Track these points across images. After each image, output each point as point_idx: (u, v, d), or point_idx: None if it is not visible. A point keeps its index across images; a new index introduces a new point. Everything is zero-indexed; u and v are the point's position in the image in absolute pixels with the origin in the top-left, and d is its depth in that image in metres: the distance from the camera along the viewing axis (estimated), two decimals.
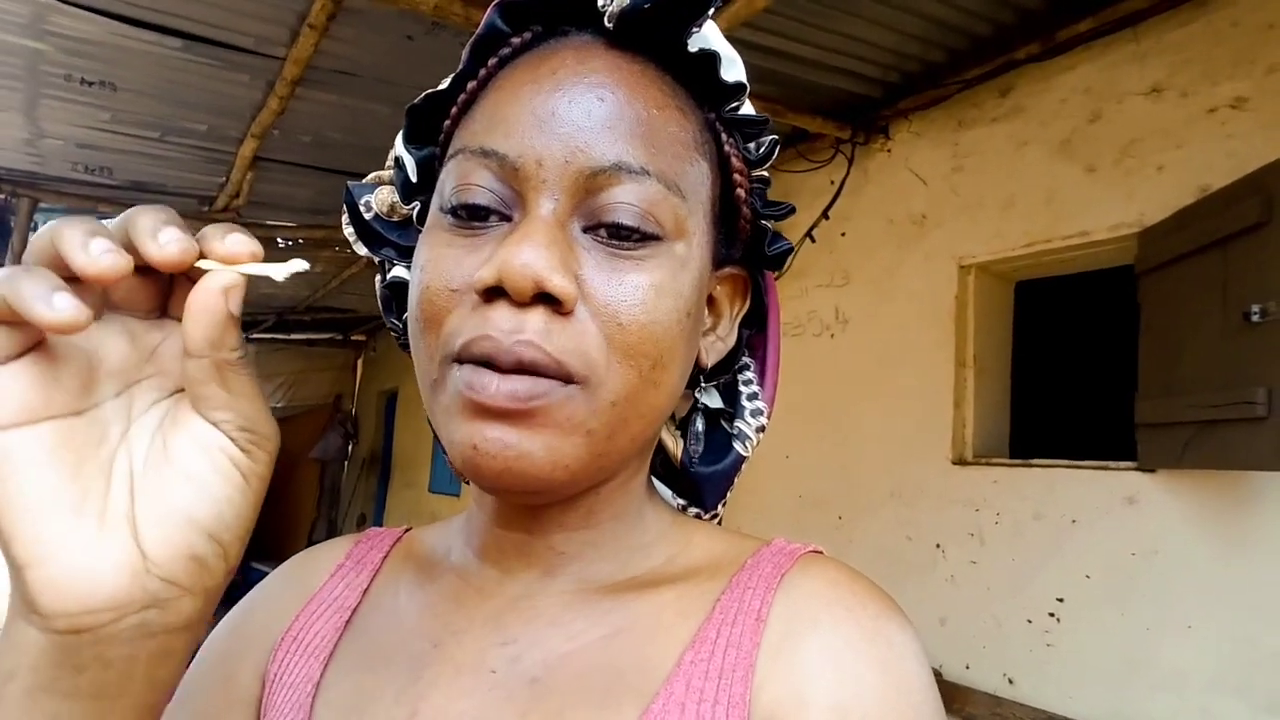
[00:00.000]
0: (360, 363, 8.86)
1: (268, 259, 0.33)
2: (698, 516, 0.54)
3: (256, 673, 0.50)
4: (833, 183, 3.13)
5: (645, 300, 0.41)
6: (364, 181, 0.54)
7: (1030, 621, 2.34)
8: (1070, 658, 2.23)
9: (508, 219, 0.42)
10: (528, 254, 0.38)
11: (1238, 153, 2.00)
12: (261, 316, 6.96)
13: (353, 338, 8.44)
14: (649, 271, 0.41)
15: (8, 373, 0.30)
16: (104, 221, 0.32)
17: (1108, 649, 2.15)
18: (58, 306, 0.28)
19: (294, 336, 7.81)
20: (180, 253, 0.31)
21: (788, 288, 3.30)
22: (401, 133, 0.50)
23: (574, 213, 0.41)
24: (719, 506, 0.55)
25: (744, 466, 0.53)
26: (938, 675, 2.49)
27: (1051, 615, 2.29)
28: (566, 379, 0.40)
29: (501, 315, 0.39)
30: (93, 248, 0.29)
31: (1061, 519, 2.30)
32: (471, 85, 0.46)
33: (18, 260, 3.75)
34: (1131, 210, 2.24)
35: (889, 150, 3.00)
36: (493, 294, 0.40)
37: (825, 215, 3.14)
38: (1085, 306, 3.55)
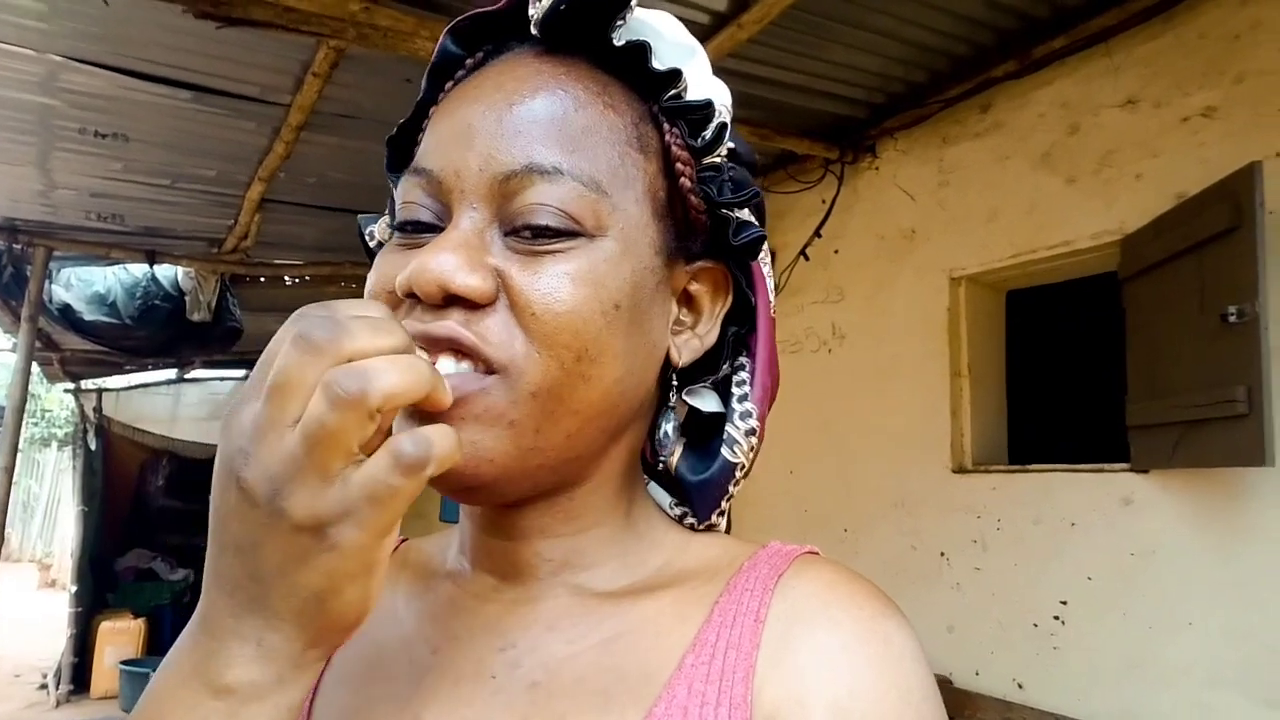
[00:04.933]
0: None
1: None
2: (691, 528, 0.52)
3: None
4: (824, 202, 3.21)
5: (558, 288, 0.41)
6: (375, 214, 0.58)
7: (1036, 625, 2.37)
8: (1076, 660, 2.27)
9: (441, 230, 0.44)
10: (434, 260, 0.40)
11: (1210, 160, 2.07)
12: None
13: None
14: (565, 262, 0.41)
15: None
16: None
17: (1112, 649, 2.18)
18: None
19: None
20: None
21: (784, 305, 3.37)
22: (385, 162, 0.53)
23: (494, 219, 0.42)
24: (713, 517, 0.52)
25: (739, 474, 0.50)
26: (948, 683, 2.52)
27: (1056, 618, 2.32)
28: (485, 364, 0.40)
29: (424, 312, 0.41)
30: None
31: (1060, 522, 2.34)
32: (433, 110, 0.47)
33: (35, 306, 3.86)
34: (1112, 219, 2.30)
35: (877, 168, 3.08)
36: (415, 301, 0.42)
37: (818, 234, 3.21)
38: (1077, 313, 3.60)
